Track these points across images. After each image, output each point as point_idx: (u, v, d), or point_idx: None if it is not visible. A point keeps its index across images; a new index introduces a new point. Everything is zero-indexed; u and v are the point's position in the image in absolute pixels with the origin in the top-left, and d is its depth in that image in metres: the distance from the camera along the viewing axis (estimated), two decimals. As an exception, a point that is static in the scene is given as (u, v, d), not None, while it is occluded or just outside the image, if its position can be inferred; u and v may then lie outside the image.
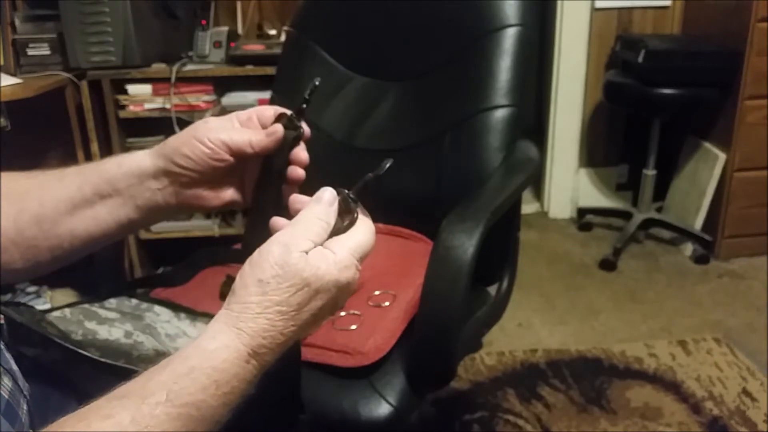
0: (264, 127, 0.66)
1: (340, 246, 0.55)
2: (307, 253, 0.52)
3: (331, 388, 0.88)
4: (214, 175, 0.65)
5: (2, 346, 0.61)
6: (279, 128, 0.65)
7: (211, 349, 0.49)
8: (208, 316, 0.89)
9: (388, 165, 0.60)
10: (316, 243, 0.54)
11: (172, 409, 0.46)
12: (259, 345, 0.50)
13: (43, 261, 0.65)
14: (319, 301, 0.52)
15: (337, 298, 0.54)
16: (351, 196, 0.58)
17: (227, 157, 0.63)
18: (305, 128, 0.66)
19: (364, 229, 0.57)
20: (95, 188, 0.65)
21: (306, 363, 0.90)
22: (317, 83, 0.66)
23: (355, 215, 0.57)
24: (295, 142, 0.65)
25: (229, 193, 0.68)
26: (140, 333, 0.89)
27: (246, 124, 0.66)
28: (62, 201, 0.64)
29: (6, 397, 0.56)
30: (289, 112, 0.66)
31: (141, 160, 0.65)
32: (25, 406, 0.59)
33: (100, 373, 0.70)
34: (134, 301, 0.90)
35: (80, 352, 0.71)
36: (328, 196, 0.57)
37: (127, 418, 0.44)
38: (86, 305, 0.84)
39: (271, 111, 0.66)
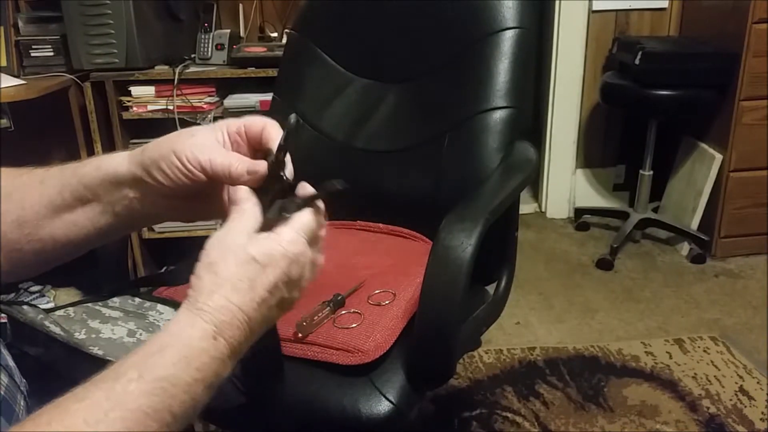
0: (252, 141, 0.62)
1: (280, 228, 0.56)
2: (247, 236, 0.54)
3: (332, 385, 0.89)
4: (191, 190, 0.62)
5: None
6: (262, 166, 0.59)
7: (177, 329, 0.51)
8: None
9: (293, 121, 0.59)
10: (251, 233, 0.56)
11: (145, 385, 0.47)
12: (221, 321, 0.51)
13: (28, 263, 0.65)
14: (270, 276, 0.53)
15: (291, 274, 0.55)
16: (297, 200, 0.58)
17: (203, 178, 0.60)
18: (289, 167, 0.61)
19: (305, 213, 0.58)
20: (75, 193, 0.63)
21: (307, 361, 0.92)
22: (293, 121, 0.61)
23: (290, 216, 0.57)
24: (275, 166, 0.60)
25: (208, 209, 0.66)
26: (143, 331, 0.90)
27: (234, 137, 0.62)
28: (43, 205, 0.63)
29: (2, 393, 0.57)
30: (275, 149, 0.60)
31: (119, 164, 0.62)
32: (22, 402, 0.60)
33: (103, 371, 0.71)
34: (138, 299, 0.91)
35: (83, 350, 0.72)
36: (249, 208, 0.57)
37: (102, 398, 0.45)
38: (90, 304, 0.84)
39: (260, 125, 0.62)
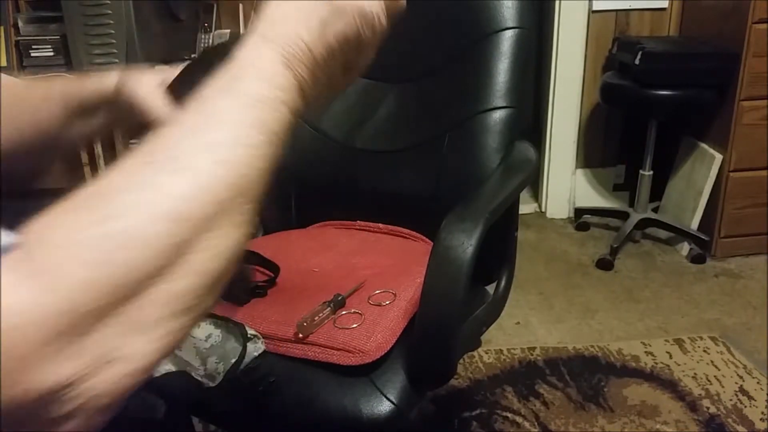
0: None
1: None
2: None
3: (333, 386, 0.89)
4: None
5: None
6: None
7: (246, 56, 0.45)
8: (214, 317, 0.90)
9: None
10: None
11: (237, 100, 0.42)
12: (290, 53, 0.45)
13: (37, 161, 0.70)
14: (341, 25, 0.48)
15: (363, 34, 0.50)
16: None
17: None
18: None
19: None
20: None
21: (308, 361, 0.92)
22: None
23: None
24: None
25: None
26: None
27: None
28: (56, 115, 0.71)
29: None
30: None
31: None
32: None
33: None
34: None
35: None
36: None
37: (193, 124, 0.40)
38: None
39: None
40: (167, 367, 0.79)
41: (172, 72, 0.74)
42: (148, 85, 0.72)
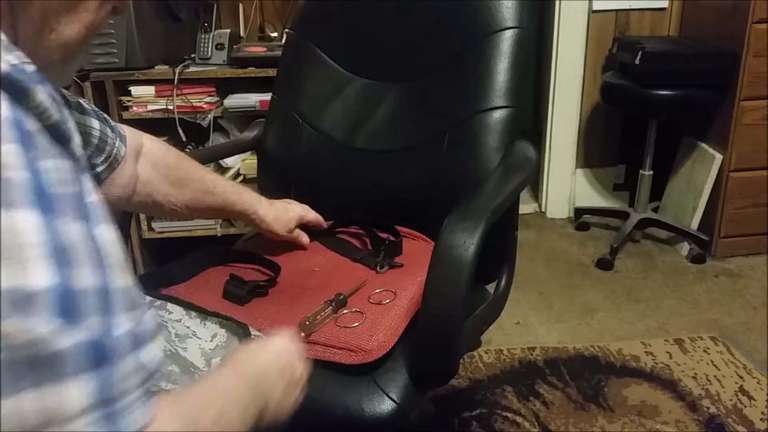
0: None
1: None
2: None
3: (335, 385, 0.89)
4: None
5: None
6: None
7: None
8: (219, 316, 0.90)
9: None
10: None
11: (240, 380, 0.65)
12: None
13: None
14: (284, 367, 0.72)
15: (293, 373, 0.74)
16: None
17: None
18: None
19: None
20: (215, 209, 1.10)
21: (310, 360, 0.92)
22: None
23: None
24: None
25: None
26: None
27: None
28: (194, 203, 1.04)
29: None
30: None
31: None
32: None
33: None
34: (148, 298, 0.90)
35: None
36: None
37: (219, 382, 0.62)
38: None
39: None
40: (171, 367, 0.79)
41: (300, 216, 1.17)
42: (283, 223, 1.15)
